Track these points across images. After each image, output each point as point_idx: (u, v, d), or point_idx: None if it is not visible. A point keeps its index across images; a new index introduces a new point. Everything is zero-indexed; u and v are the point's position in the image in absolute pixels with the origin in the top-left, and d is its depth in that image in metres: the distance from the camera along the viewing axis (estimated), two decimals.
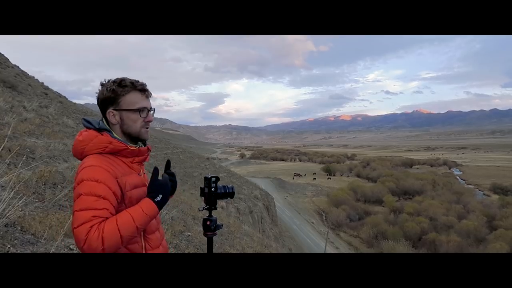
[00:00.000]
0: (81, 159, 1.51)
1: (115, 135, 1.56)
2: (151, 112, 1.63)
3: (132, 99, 1.55)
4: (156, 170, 1.53)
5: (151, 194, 1.48)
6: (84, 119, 1.58)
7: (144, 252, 1.53)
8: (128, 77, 1.58)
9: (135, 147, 1.59)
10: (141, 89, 1.57)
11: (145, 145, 1.68)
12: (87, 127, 1.55)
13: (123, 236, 1.33)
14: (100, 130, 1.53)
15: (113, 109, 1.55)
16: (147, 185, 1.58)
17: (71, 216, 1.45)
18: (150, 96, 1.62)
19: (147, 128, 1.61)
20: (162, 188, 1.50)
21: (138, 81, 1.58)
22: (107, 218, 1.35)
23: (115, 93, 1.54)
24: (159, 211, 1.48)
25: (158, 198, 1.46)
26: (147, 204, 1.44)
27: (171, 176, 1.65)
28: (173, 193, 1.74)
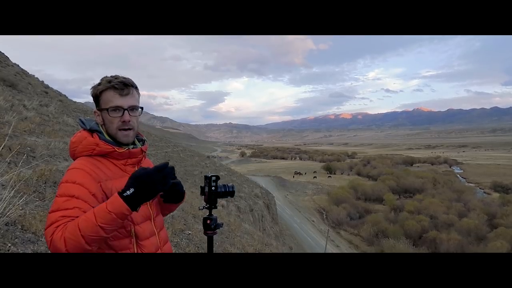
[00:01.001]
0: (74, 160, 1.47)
1: (106, 136, 1.49)
2: (138, 111, 1.53)
3: (107, 98, 1.47)
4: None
5: (123, 188, 1.28)
6: (80, 119, 1.53)
7: None
8: (115, 75, 1.50)
9: (125, 149, 1.50)
10: (113, 86, 1.46)
11: (144, 144, 1.61)
12: (82, 128, 1.51)
13: (85, 236, 1.20)
14: (91, 131, 1.48)
15: (97, 109, 1.51)
16: None
17: None
18: (128, 94, 1.48)
19: (125, 129, 1.49)
20: (135, 180, 1.28)
21: (118, 78, 1.48)
22: (77, 217, 1.26)
23: (94, 92, 1.50)
24: (131, 208, 1.26)
25: (128, 193, 1.25)
26: (112, 199, 1.26)
27: (176, 185, 1.55)
28: (180, 201, 1.67)
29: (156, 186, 1.29)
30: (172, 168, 1.39)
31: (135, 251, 1.45)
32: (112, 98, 1.46)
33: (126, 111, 1.48)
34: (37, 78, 26.25)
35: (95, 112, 1.52)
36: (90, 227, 1.20)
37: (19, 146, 5.33)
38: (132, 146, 1.55)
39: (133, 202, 1.26)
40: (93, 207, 1.30)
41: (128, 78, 1.52)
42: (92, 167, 1.40)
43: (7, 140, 4.97)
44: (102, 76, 1.51)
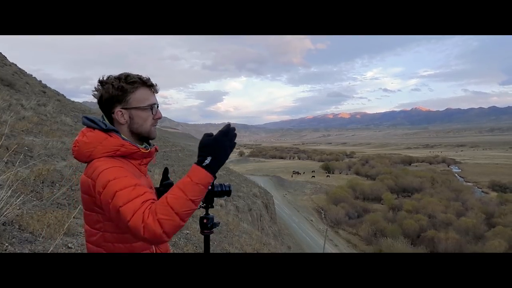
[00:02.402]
0: (85, 162, 1.41)
1: (123, 136, 1.46)
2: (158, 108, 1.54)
3: (142, 96, 1.45)
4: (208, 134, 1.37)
5: (199, 157, 1.30)
6: (86, 118, 1.46)
7: None
8: (127, 72, 1.47)
9: (146, 149, 1.50)
10: (150, 84, 1.48)
11: (149, 145, 1.59)
12: (92, 127, 1.43)
13: (179, 213, 1.20)
14: (107, 130, 1.41)
15: (122, 108, 1.44)
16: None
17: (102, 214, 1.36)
18: (157, 92, 1.53)
19: (155, 126, 1.53)
20: (208, 148, 1.30)
21: (142, 76, 1.49)
22: (154, 200, 1.27)
23: (124, 90, 1.43)
24: (213, 176, 1.30)
25: (207, 161, 1.28)
26: (195, 172, 1.27)
27: (171, 186, 1.58)
28: None
29: (227, 150, 1.32)
30: (234, 129, 1.37)
31: (154, 250, 1.48)
32: (149, 96, 1.48)
33: (158, 108, 1.52)
34: (35, 77, 26.19)
35: (118, 111, 1.45)
36: (182, 203, 1.21)
37: (17, 146, 5.32)
38: (145, 145, 1.55)
39: (213, 170, 1.29)
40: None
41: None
42: (124, 166, 1.37)
43: (5, 139, 4.96)
44: (101, 75, 1.45)
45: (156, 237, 1.18)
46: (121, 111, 1.45)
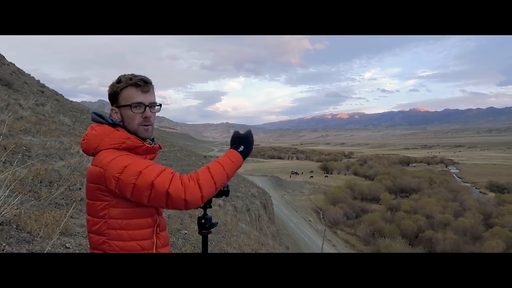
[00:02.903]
0: (92, 154, 1.49)
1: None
2: (157, 107, 1.58)
3: (127, 95, 1.50)
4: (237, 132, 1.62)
5: (233, 145, 1.52)
6: (95, 113, 1.56)
7: (155, 249, 1.49)
8: (133, 74, 1.53)
9: (150, 144, 1.55)
10: (135, 83, 1.50)
11: (153, 142, 1.63)
12: (100, 122, 1.52)
13: (216, 182, 1.38)
14: (114, 125, 1.50)
15: (115, 106, 1.54)
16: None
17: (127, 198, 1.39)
18: (148, 91, 1.54)
19: (146, 125, 1.54)
20: (243, 140, 1.55)
21: (138, 76, 1.53)
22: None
23: (113, 90, 1.52)
24: (243, 160, 1.52)
25: (241, 149, 1.51)
26: (233, 154, 1.49)
27: None
28: None
29: (252, 144, 1.57)
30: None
31: (155, 241, 1.51)
32: (134, 95, 1.51)
33: (147, 108, 1.53)
34: (33, 77, 26.09)
35: (112, 109, 1.54)
36: (221, 175, 1.41)
37: (15, 145, 5.31)
38: (148, 141, 1.59)
39: (245, 155, 1.52)
40: None
41: (146, 77, 1.56)
42: (130, 155, 1.46)
43: (3, 139, 4.95)
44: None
45: (196, 198, 1.33)
46: (114, 109, 1.54)
